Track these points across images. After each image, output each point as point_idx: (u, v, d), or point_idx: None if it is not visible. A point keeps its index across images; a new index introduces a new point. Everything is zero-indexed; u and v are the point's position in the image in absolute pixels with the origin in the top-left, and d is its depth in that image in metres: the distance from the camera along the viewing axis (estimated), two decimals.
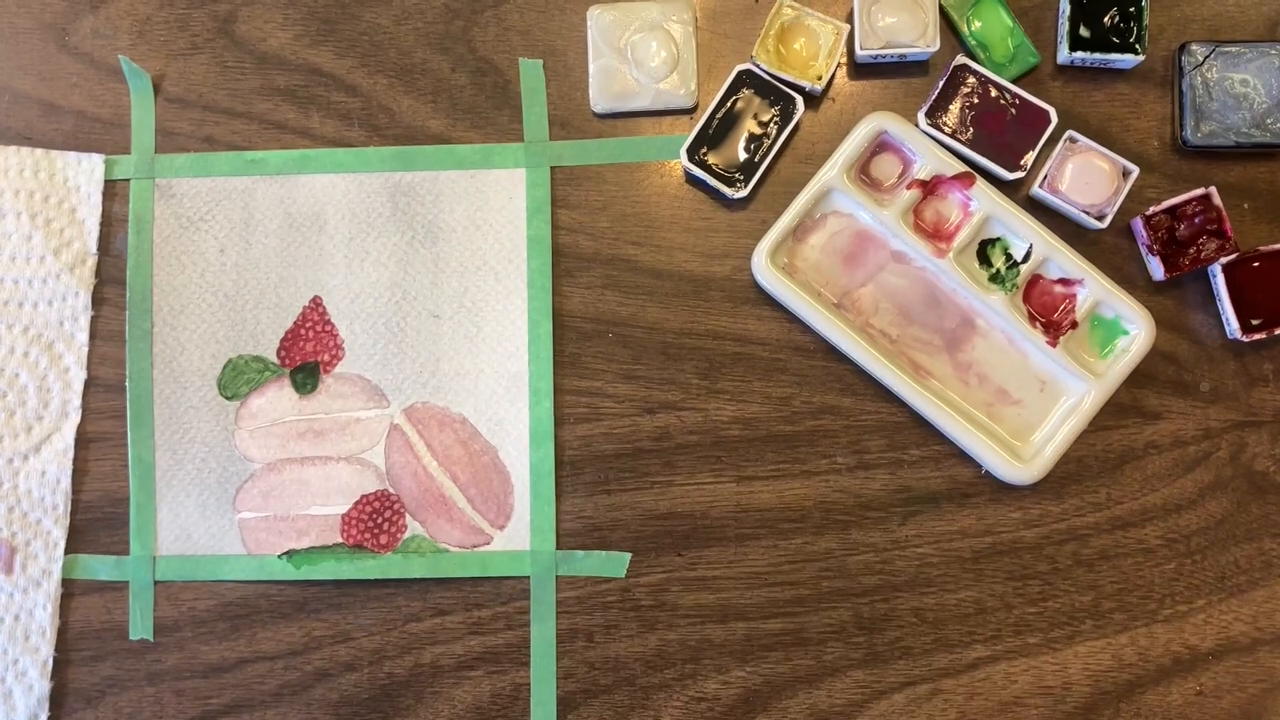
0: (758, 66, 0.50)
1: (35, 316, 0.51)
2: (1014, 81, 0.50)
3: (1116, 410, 0.50)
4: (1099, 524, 0.50)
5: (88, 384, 0.51)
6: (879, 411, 0.50)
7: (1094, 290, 0.49)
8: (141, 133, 0.52)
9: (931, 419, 0.49)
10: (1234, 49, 0.49)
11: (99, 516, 0.51)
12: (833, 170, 0.49)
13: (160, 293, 0.52)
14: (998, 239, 0.50)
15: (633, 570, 0.50)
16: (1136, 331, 0.49)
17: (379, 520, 0.50)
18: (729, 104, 0.50)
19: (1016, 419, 0.50)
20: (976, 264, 0.50)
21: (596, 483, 0.50)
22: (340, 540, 0.50)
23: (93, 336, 0.51)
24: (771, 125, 0.50)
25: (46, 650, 0.50)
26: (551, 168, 0.51)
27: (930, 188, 0.50)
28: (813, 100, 0.51)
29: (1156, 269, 0.49)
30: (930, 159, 0.49)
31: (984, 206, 0.49)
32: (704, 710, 0.50)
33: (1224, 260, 0.48)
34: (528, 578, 0.50)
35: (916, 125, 0.49)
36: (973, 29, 0.50)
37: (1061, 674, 0.49)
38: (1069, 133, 0.49)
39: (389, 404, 0.51)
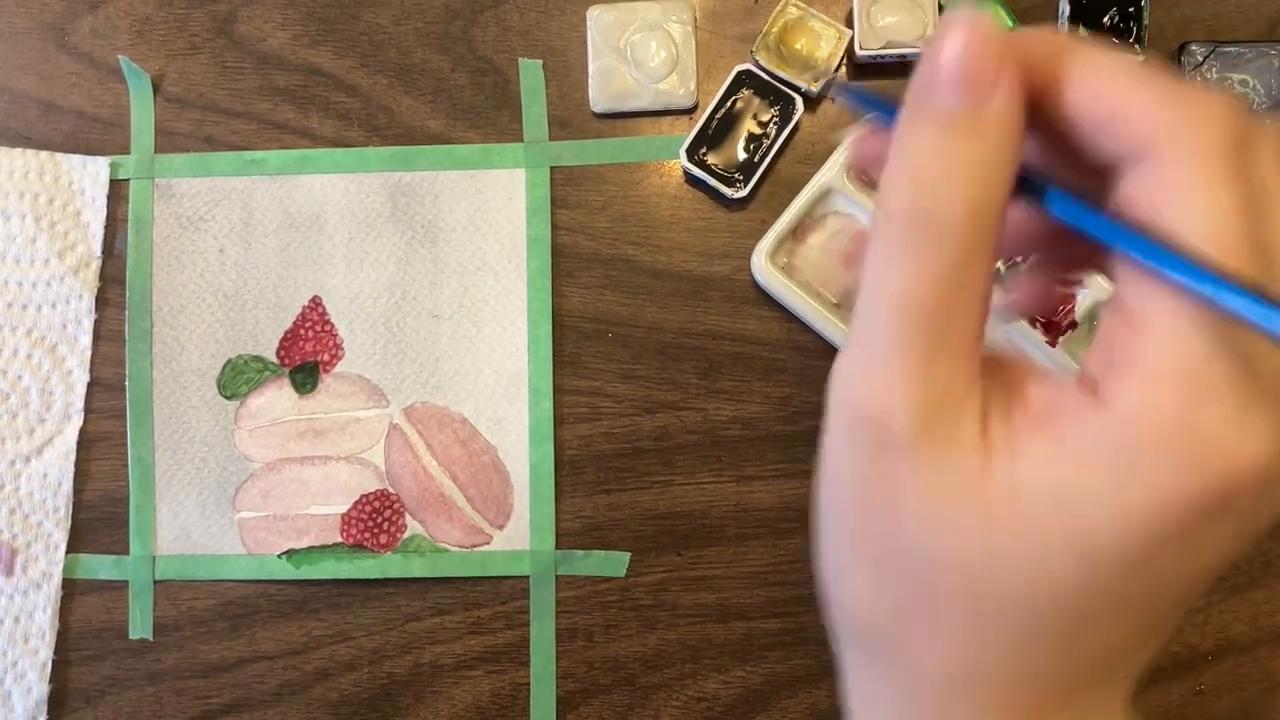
0: (757, 64, 0.50)
1: (39, 319, 0.51)
2: None
3: None
4: None
5: (88, 384, 0.51)
6: None
7: (1094, 290, 0.49)
8: (141, 133, 0.52)
9: None
10: (1234, 49, 0.49)
11: (99, 516, 0.51)
12: (832, 170, 0.49)
13: (160, 292, 0.52)
14: None
15: (632, 570, 0.50)
16: None
17: (379, 520, 0.50)
18: (728, 104, 0.50)
19: None
20: None
21: (596, 482, 0.50)
22: (340, 540, 0.50)
23: (94, 337, 0.51)
24: (771, 125, 0.50)
25: (46, 653, 0.50)
26: (551, 168, 0.51)
27: None
28: (812, 100, 0.51)
29: None
30: None
31: None
32: (704, 710, 0.50)
33: None
34: (527, 577, 0.50)
35: None
36: None
37: None
38: None
39: (388, 403, 0.51)
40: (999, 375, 0.22)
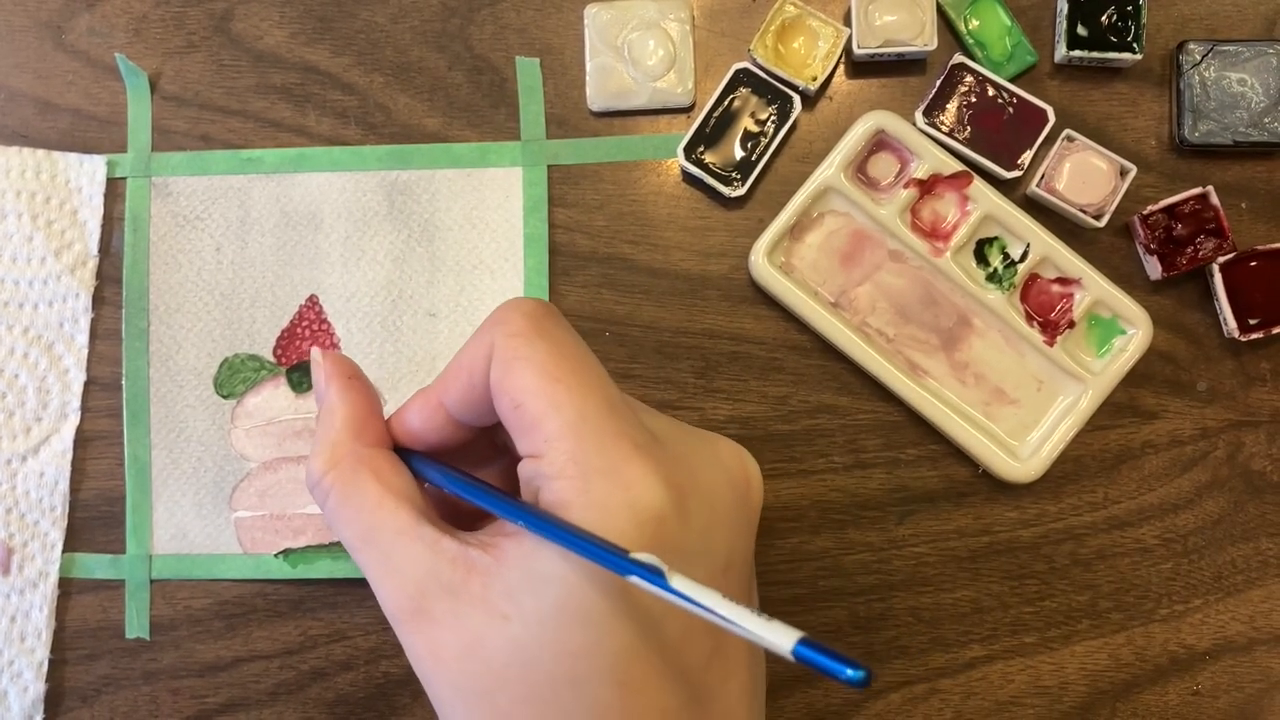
0: (755, 62, 0.50)
1: (35, 318, 0.51)
2: (1012, 80, 0.50)
3: (1113, 410, 0.50)
4: (1096, 524, 0.50)
5: (84, 382, 0.51)
6: (876, 410, 0.50)
7: (1091, 289, 0.49)
8: (138, 131, 0.52)
9: (928, 418, 0.49)
10: (1232, 48, 0.49)
11: (95, 515, 0.51)
12: (830, 169, 0.49)
13: (156, 291, 0.51)
14: (995, 238, 0.50)
15: None
16: (1134, 331, 0.49)
17: None
18: (726, 102, 0.50)
19: (1013, 418, 0.49)
20: (974, 263, 0.50)
21: None
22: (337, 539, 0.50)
23: (90, 335, 0.51)
24: (769, 124, 0.50)
25: (42, 652, 0.50)
26: (548, 166, 0.51)
27: (928, 187, 0.50)
28: (809, 99, 0.51)
29: (1154, 268, 0.49)
30: (928, 158, 0.49)
31: (981, 206, 0.49)
32: None
33: (1221, 260, 0.48)
34: None
35: (914, 124, 0.49)
36: (970, 27, 0.50)
37: (1058, 674, 0.49)
38: (1066, 131, 0.49)
39: (385, 402, 0.51)
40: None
